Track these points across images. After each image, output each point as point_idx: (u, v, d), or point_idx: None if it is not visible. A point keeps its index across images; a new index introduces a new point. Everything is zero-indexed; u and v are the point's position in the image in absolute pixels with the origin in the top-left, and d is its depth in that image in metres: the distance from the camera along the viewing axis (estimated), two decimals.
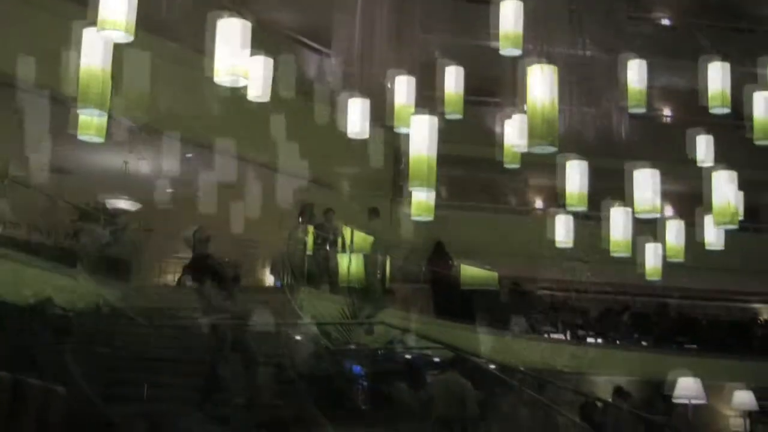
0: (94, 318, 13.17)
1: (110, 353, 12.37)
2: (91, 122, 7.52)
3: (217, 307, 10.50)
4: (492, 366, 13.09)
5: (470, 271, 19.12)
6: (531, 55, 7.70)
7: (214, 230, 22.40)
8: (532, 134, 6.58)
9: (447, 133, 8.37)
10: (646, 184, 9.04)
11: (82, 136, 7.63)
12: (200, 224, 11.26)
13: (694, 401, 17.55)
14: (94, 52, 6.72)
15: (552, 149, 6.57)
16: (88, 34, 6.72)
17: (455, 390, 12.74)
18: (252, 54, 7.33)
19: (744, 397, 21.01)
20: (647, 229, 10.51)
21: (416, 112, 7.54)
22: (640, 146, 21.68)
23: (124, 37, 6.45)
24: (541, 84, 6.67)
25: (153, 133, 18.01)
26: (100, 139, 7.68)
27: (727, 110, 9.68)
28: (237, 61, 6.81)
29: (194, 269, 10.89)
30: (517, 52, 8.53)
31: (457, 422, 12.43)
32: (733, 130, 12.84)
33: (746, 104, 9.86)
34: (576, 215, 10.71)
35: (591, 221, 10.72)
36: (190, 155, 19.34)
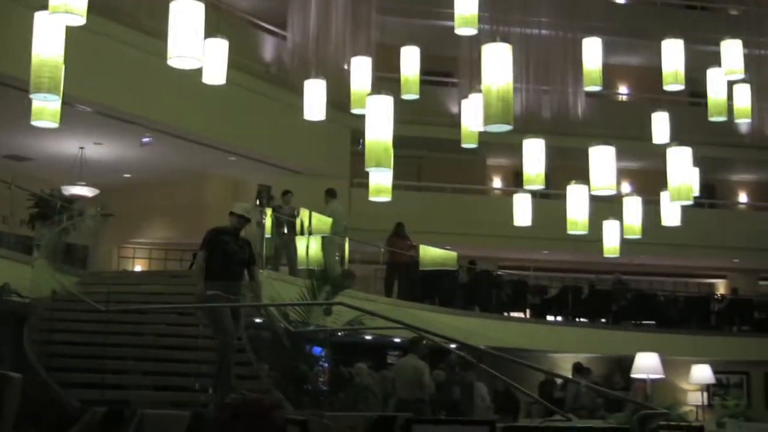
0: (51, 304, 13.05)
1: (68, 339, 12.28)
2: (44, 108, 7.44)
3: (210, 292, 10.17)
4: (452, 346, 13.10)
5: (430, 252, 19.12)
6: (486, 33, 7.70)
7: (172, 215, 22.41)
8: (488, 113, 6.58)
9: (404, 113, 8.36)
10: (603, 162, 9.05)
11: (36, 122, 7.55)
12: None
13: (652, 376, 17.72)
14: (45, 36, 6.64)
15: (507, 128, 6.57)
16: (39, 18, 6.64)
17: (413, 371, 12.85)
18: (206, 36, 7.26)
19: (702, 371, 21.30)
20: (605, 206, 10.53)
21: (372, 93, 7.48)
22: (597, 124, 21.80)
23: (75, 20, 6.35)
24: (495, 63, 6.67)
25: (108, 116, 17.84)
26: (54, 125, 7.60)
27: (680, 87, 9.72)
28: (191, 43, 6.73)
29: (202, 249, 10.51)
30: (473, 32, 8.48)
31: (415, 403, 12.52)
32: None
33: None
34: (534, 194, 10.72)
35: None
36: (146, 139, 19.19)
